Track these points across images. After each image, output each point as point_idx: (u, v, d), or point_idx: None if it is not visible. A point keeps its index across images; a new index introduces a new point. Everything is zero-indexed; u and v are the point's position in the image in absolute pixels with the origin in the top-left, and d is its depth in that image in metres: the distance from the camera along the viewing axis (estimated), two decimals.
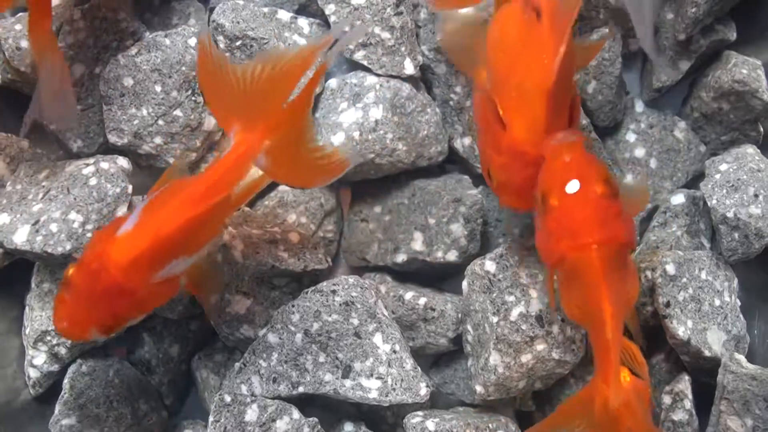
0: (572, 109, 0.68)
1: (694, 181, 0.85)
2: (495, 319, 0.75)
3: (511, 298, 0.75)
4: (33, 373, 0.80)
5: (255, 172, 0.71)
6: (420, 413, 0.77)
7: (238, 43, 0.80)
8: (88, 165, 0.80)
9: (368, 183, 0.84)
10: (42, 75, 0.73)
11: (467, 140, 0.83)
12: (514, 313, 0.75)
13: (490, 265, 0.76)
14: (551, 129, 0.65)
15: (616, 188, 0.63)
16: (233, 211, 0.75)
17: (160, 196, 0.68)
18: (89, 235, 0.76)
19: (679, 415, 0.75)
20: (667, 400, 0.75)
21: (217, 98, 0.69)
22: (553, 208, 0.62)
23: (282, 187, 0.84)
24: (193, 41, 0.82)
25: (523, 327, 0.75)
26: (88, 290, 0.64)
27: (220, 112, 0.70)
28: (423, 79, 0.85)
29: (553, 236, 0.62)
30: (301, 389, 0.76)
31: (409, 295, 0.80)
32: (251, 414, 0.75)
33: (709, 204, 0.79)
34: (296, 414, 0.76)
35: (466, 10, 0.79)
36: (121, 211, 0.78)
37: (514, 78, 0.66)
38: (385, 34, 0.81)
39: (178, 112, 0.82)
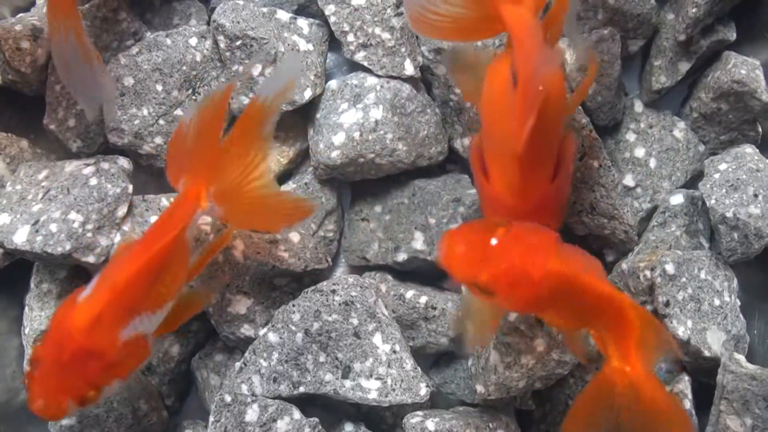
0: (565, 152, 0.70)
1: (693, 180, 0.85)
2: None
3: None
4: None
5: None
6: (420, 413, 0.77)
7: (238, 42, 0.80)
8: (88, 165, 0.80)
9: (368, 183, 0.84)
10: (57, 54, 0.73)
11: (467, 140, 0.83)
12: (514, 314, 0.75)
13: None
14: (530, 182, 0.68)
15: (505, 220, 0.64)
16: (194, 270, 0.73)
17: (113, 260, 0.68)
18: (89, 235, 0.76)
19: None
20: None
21: (171, 164, 0.70)
22: (489, 283, 0.62)
23: (284, 187, 0.84)
24: (194, 41, 0.82)
25: (522, 327, 0.75)
26: (56, 361, 0.63)
27: (171, 175, 0.70)
28: (423, 80, 0.85)
29: (514, 298, 0.62)
30: (301, 389, 0.76)
31: (409, 294, 0.80)
32: (252, 414, 0.75)
33: (708, 204, 0.79)
34: (297, 414, 0.76)
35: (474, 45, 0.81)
36: (122, 211, 0.78)
37: (494, 137, 0.69)
38: (386, 35, 0.82)
39: (179, 112, 0.82)
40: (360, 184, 0.85)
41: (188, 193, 0.68)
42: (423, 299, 0.80)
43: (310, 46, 0.83)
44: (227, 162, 0.68)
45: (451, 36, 0.75)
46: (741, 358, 0.74)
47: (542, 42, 0.66)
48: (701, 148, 0.86)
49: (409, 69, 0.82)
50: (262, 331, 0.79)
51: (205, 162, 0.68)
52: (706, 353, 0.75)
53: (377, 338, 0.77)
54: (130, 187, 0.79)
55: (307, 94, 0.81)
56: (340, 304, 0.77)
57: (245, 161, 0.68)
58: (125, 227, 0.79)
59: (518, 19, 0.66)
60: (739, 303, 0.79)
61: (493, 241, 0.62)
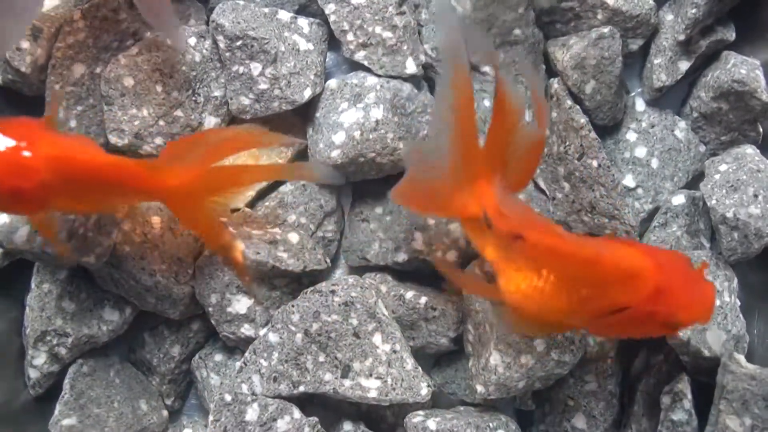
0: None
1: (695, 181, 0.85)
2: (495, 320, 0.75)
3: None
4: (33, 374, 0.81)
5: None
6: (421, 413, 0.77)
7: (239, 43, 0.80)
8: None
9: (369, 183, 0.84)
10: None
11: None
12: None
13: (490, 266, 0.76)
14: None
15: None
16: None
17: None
18: (90, 234, 0.76)
19: (678, 415, 0.75)
20: (666, 400, 0.75)
21: None
22: None
23: (282, 188, 0.84)
24: (193, 41, 0.82)
25: None
26: None
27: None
28: (426, 77, 0.85)
29: (17, 195, 0.64)
30: (301, 388, 0.76)
31: (409, 295, 0.81)
32: (252, 413, 0.75)
33: (708, 204, 0.79)
34: (297, 413, 0.76)
35: None
36: (123, 211, 0.78)
37: (581, 301, 0.65)
38: (387, 34, 0.81)
39: (179, 113, 0.81)
40: (360, 184, 0.85)
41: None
42: (423, 300, 0.80)
43: (311, 46, 0.83)
44: None
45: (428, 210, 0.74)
46: (741, 358, 0.74)
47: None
48: (702, 148, 0.86)
49: (411, 67, 0.82)
50: (262, 332, 0.79)
51: None
52: (706, 353, 0.75)
53: (377, 338, 0.77)
54: None
55: (307, 93, 0.81)
56: (339, 305, 0.77)
57: None
58: (126, 227, 0.79)
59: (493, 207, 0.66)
60: (738, 303, 0.79)
61: None
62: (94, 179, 0.67)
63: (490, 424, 0.76)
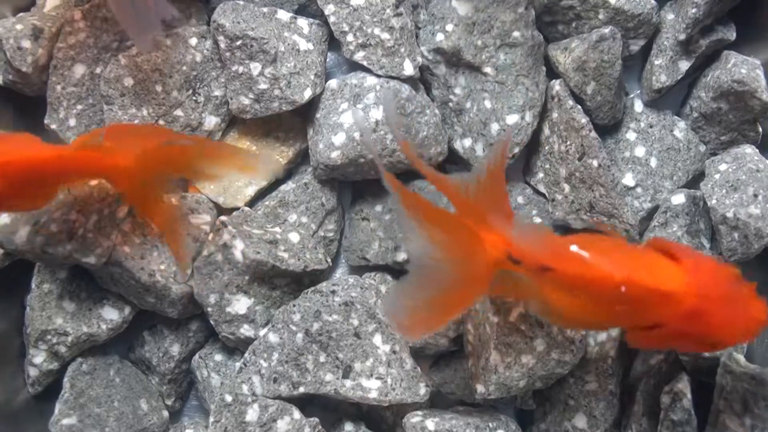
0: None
1: (695, 180, 0.85)
2: (495, 320, 0.75)
3: (511, 299, 0.75)
4: (32, 372, 0.81)
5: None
6: (419, 413, 0.77)
7: (239, 42, 0.80)
8: None
9: (369, 182, 0.84)
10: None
11: (467, 141, 0.83)
12: (514, 314, 0.75)
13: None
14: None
15: None
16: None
17: None
18: (90, 235, 0.76)
19: (678, 415, 0.75)
20: (666, 399, 0.75)
21: None
22: None
23: (283, 187, 0.84)
24: (194, 41, 0.82)
25: (523, 327, 0.75)
26: None
27: None
28: (422, 80, 0.85)
29: None
30: (301, 389, 0.76)
31: None
32: (252, 414, 0.75)
33: (708, 204, 0.79)
34: (297, 414, 0.76)
35: None
36: (123, 211, 0.78)
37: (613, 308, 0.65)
38: (385, 35, 0.81)
39: (178, 112, 0.82)
40: (360, 183, 0.85)
41: None
42: None
43: (310, 46, 0.83)
44: None
45: (454, 310, 0.70)
46: (740, 357, 0.75)
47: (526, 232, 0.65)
48: (702, 148, 0.86)
49: (409, 69, 0.82)
50: (262, 332, 0.79)
51: None
52: (706, 353, 0.75)
53: (377, 338, 0.77)
54: None
55: (307, 93, 0.81)
56: (340, 305, 0.77)
57: None
58: (126, 228, 0.79)
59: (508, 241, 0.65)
60: None
61: None
62: (46, 176, 0.69)
63: (490, 424, 0.76)
